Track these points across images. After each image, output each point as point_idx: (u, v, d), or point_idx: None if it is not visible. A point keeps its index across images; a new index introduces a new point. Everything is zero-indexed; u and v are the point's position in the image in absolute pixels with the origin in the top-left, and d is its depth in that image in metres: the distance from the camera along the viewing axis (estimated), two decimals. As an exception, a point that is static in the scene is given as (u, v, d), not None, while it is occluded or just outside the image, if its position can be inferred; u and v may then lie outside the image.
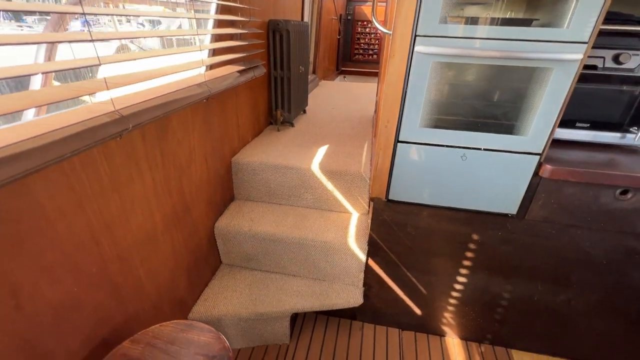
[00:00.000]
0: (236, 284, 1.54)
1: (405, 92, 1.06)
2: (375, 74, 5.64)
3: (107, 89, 0.66)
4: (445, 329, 1.61)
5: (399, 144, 1.16)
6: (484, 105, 1.05)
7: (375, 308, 1.62)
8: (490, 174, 1.15)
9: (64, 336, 0.78)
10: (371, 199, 1.31)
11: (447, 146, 1.13)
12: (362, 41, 5.58)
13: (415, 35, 0.98)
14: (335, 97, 3.15)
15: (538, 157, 1.09)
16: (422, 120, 1.10)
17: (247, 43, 1.38)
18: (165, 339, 0.87)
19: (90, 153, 0.78)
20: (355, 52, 5.63)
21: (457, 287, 1.46)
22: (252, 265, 1.63)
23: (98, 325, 0.88)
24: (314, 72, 3.70)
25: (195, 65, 0.98)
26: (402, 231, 1.35)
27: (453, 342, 1.62)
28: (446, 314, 1.56)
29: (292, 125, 2.17)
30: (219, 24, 1.26)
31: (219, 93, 1.37)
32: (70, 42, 0.59)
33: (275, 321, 1.46)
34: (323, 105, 2.80)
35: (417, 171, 1.19)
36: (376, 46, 5.52)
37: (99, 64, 0.64)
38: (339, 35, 4.95)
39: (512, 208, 1.20)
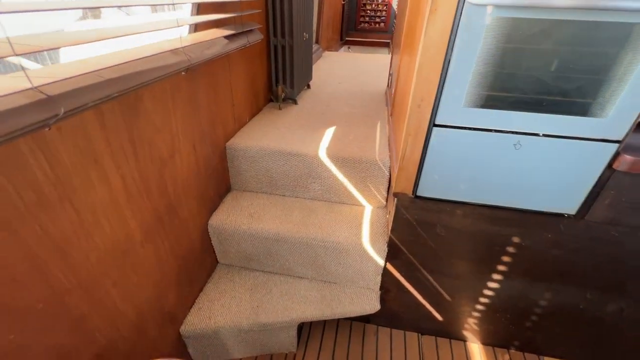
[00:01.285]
0: (235, 289, 1.35)
1: (449, 60, 0.80)
2: (382, 44, 5.23)
3: (15, 54, 0.42)
4: (470, 334, 1.44)
5: (434, 128, 0.91)
6: (553, 77, 0.79)
7: (392, 312, 1.44)
8: (549, 167, 0.91)
9: (1, 398, 0.58)
10: (394, 195, 1.09)
11: (498, 131, 0.88)
12: (368, 8, 5.12)
13: (469, -20, 0.71)
14: (341, 69, 2.83)
15: (616, 145, 0.85)
16: (467, 97, 0.85)
17: (238, 0, 1.10)
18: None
19: (17, 150, 0.55)
20: (360, 21, 5.18)
21: (488, 292, 1.27)
22: (252, 266, 1.43)
23: (55, 371, 0.69)
24: (317, 42, 3.35)
25: (166, 26, 0.72)
26: (430, 232, 1.14)
27: (478, 348, 1.45)
28: (472, 320, 1.38)
29: (295, 102, 1.90)
30: (202, -27, 0.98)
31: (205, 64, 1.11)
32: None
33: (280, 331, 1.29)
34: (328, 79, 2.50)
35: (455, 162, 0.96)
36: (384, 13, 5.07)
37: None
38: (343, 1, 4.50)
39: (571, 207, 0.98)
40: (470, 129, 0.89)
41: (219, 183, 1.42)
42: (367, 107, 1.92)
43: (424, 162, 0.98)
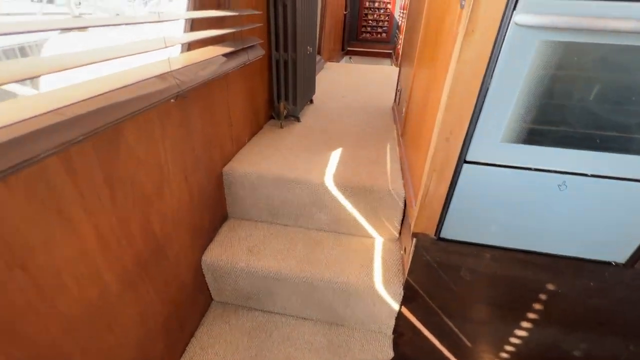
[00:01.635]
0: (231, 332, 1.21)
1: (487, 88, 0.68)
2: (384, 55, 5.15)
3: None
4: (493, 381, 1.30)
5: (465, 165, 0.79)
6: (609, 110, 0.67)
7: (405, 356, 1.30)
8: (598, 211, 0.79)
9: None
10: (414, 235, 0.96)
11: (540, 170, 0.76)
12: (369, 18, 5.06)
13: (516, -2, 0.60)
14: (344, 82, 2.73)
15: (680, 188, 0.72)
16: (506, 131, 0.72)
17: (237, 14, 0.98)
18: None
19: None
20: (362, 30, 5.11)
21: (514, 340, 1.13)
22: (251, 305, 1.29)
23: None
24: (318, 53, 3.25)
25: (152, 47, 0.59)
26: (453, 275, 1.00)
27: (501, 397, 1.31)
28: (495, 366, 1.24)
29: (297, 120, 1.78)
30: (197, -16, 0.86)
31: (200, 85, 0.99)
32: None
33: (281, 383, 1.14)
34: (331, 92, 2.39)
35: (487, 203, 0.83)
36: (386, 23, 5.00)
37: None
38: (345, 11, 4.43)
39: (620, 255, 0.85)
40: (507, 167, 0.77)
41: (215, 212, 1.28)
42: (373, 124, 1.80)
43: (450, 201, 0.85)
